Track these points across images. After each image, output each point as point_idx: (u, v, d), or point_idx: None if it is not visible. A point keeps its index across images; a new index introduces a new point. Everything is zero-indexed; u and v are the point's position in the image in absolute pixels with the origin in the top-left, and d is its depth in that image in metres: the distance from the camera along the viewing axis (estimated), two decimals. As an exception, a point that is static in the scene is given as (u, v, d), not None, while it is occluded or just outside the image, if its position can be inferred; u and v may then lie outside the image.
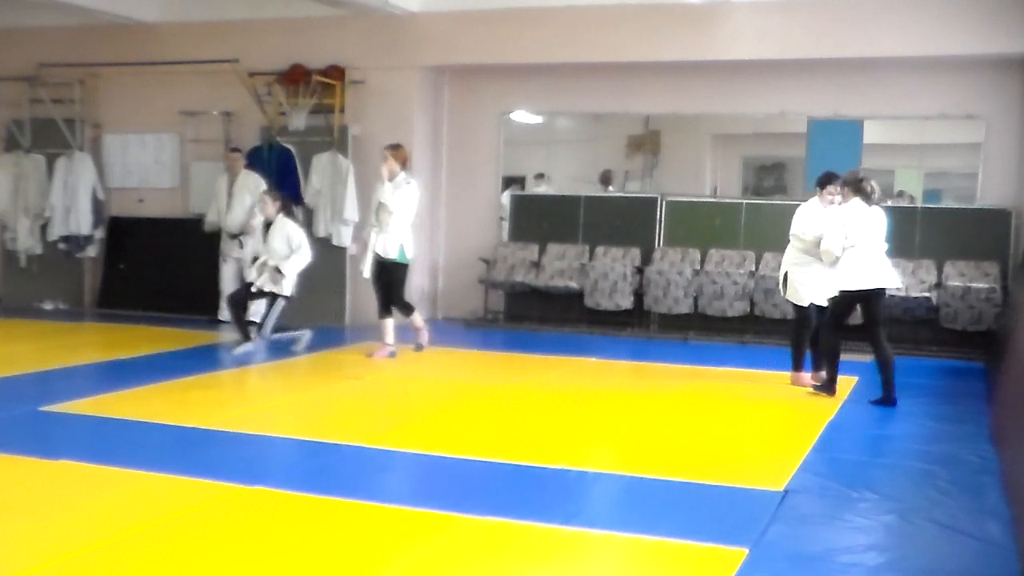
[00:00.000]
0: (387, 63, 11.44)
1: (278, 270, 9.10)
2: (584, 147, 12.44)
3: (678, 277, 10.71)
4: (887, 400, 7.41)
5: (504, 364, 9.30)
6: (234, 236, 11.02)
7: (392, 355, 9.07)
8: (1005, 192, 10.25)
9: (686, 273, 10.72)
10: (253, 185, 10.95)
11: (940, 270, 10.18)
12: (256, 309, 11.07)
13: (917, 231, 10.41)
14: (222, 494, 4.86)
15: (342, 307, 11.42)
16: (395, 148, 8.99)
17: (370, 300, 9.60)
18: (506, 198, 11.97)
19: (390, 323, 9.12)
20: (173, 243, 12.11)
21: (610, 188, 11.83)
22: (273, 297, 9.22)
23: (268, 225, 9.34)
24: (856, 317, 7.89)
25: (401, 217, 8.92)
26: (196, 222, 11.69)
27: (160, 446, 5.89)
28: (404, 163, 8.98)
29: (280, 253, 9.19)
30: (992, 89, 10.25)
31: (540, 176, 12.28)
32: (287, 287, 9.18)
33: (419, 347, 9.38)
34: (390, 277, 9.02)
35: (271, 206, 9.29)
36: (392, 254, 8.93)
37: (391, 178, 8.91)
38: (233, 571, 3.97)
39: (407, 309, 9.23)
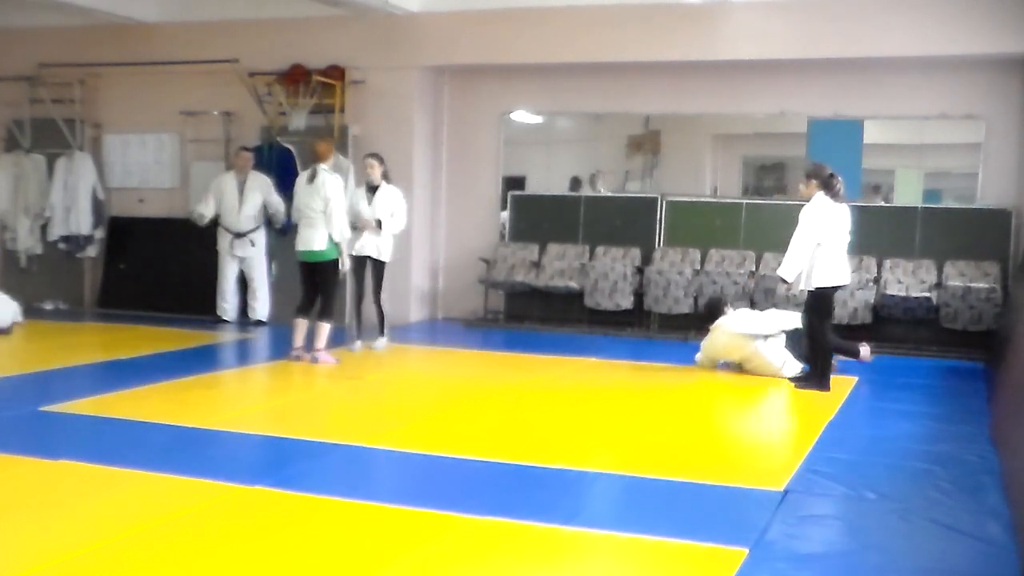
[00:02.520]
0: (387, 63, 11.44)
1: (379, 223, 9.25)
2: (584, 147, 12.44)
3: (678, 277, 10.71)
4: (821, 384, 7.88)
5: (504, 364, 9.29)
6: (241, 235, 11.02)
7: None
8: (1005, 192, 10.25)
9: (686, 273, 10.71)
10: (264, 185, 11.02)
11: (940, 270, 10.18)
12: (260, 309, 11.14)
13: (917, 231, 10.41)
14: (222, 494, 4.86)
15: (341, 306, 11.38)
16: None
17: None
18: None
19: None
20: (173, 243, 12.09)
21: (600, 188, 11.75)
22: (377, 267, 9.42)
23: (373, 189, 9.37)
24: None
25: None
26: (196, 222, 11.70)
27: (160, 446, 5.88)
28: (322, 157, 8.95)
29: (386, 217, 9.38)
30: (992, 89, 10.25)
31: (593, 176, 11.95)
32: (385, 253, 9.38)
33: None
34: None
35: (377, 171, 9.36)
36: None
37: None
38: (233, 571, 3.97)
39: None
